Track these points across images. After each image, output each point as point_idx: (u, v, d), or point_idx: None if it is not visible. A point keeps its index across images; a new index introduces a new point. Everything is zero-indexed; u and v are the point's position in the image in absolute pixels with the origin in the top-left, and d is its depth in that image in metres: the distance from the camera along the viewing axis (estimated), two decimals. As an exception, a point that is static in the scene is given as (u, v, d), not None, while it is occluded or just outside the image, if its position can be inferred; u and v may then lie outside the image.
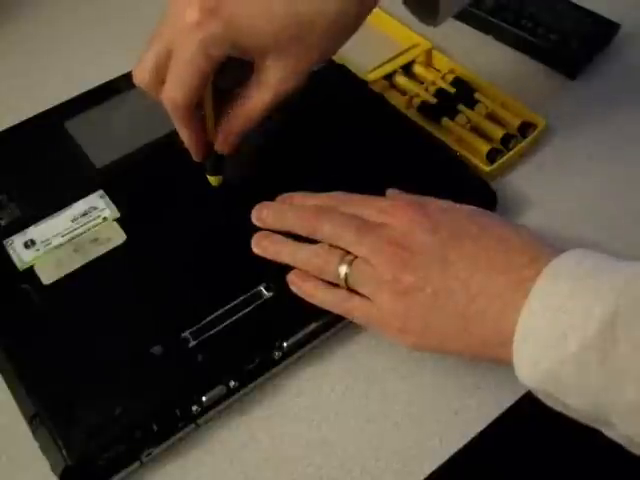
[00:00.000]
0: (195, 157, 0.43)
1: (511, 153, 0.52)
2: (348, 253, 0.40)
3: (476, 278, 0.36)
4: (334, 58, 0.51)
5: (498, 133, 0.53)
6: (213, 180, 0.46)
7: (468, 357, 0.39)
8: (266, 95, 0.39)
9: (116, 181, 0.48)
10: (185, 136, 0.41)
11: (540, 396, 0.35)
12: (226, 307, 0.42)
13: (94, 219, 0.46)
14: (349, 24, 0.38)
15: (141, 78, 0.39)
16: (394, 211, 0.40)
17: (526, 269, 0.35)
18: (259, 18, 0.36)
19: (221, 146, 0.42)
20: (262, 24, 0.37)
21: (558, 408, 0.35)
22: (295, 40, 0.37)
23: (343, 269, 0.40)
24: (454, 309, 0.37)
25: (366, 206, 0.42)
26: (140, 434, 0.37)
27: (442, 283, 0.37)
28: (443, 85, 0.57)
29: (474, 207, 0.41)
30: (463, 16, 0.62)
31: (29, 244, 0.45)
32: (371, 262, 0.39)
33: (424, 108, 0.55)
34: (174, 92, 0.38)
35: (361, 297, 0.40)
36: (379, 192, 0.44)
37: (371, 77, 0.57)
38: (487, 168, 0.51)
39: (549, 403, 0.35)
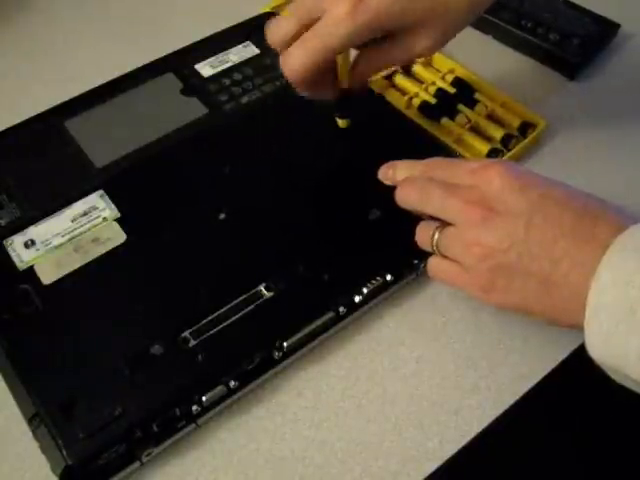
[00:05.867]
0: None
1: (511, 153, 0.52)
2: (442, 223, 0.41)
3: (560, 244, 0.36)
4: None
5: (498, 133, 0.53)
6: (342, 123, 0.48)
7: (548, 320, 0.38)
8: (405, 56, 0.44)
9: (116, 181, 0.48)
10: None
11: (608, 371, 0.35)
12: (226, 307, 0.42)
13: (94, 219, 0.46)
14: (480, 7, 0.44)
15: (278, 39, 0.43)
16: (484, 171, 0.39)
17: (610, 239, 0.35)
18: (401, 8, 0.41)
19: (357, 85, 0.46)
20: (404, 13, 0.41)
21: (625, 384, 0.35)
22: (434, 23, 0.42)
23: (435, 237, 0.41)
24: (537, 273, 0.37)
25: (456, 169, 0.41)
26: (140, 434, 0.37)
27: (525, 246, 0.37)
28: (443, 85, 0.57)
29: None
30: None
31: (29, 244, 0.45)
32: (457, 226, 0.39)
33: (424, 108, 0.55)
34: (303, 59, 0.41)
35: (450, 261, 0.40)
36: (378, 192, 0.44)
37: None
38: (487, 168, 0.51)
39: (616, 378, 0.35)
